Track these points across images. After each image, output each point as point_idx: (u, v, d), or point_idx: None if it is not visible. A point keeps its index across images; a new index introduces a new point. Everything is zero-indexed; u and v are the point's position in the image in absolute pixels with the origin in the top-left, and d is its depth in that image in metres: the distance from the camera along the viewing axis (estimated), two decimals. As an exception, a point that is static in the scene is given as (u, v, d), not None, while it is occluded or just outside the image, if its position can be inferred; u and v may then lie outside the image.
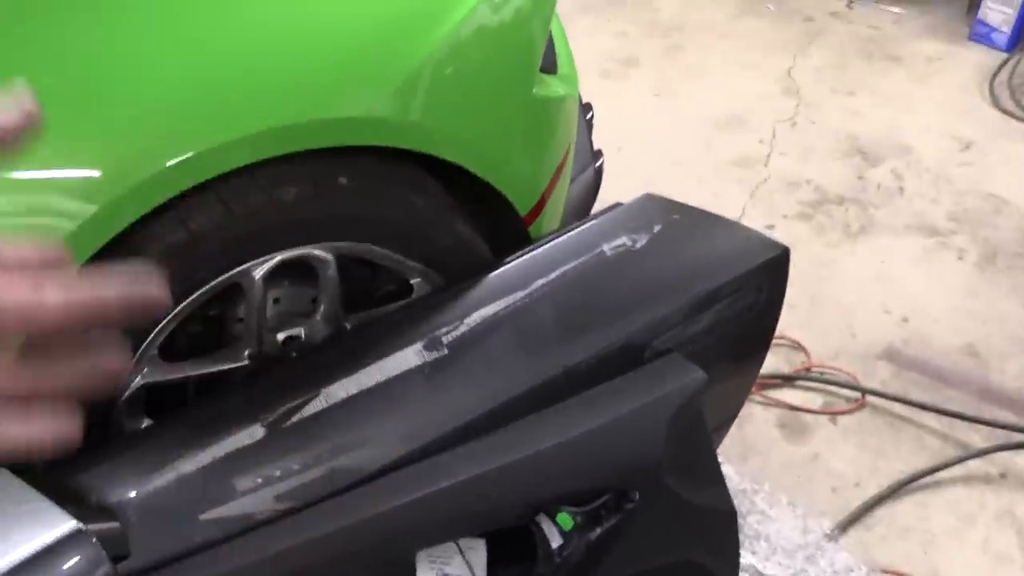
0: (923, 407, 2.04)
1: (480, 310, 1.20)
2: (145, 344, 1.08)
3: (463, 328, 1.19)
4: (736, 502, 1.31)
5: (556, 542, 1.16)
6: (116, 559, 0.80)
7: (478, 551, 1.17)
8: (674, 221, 1.39)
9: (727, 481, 1.32)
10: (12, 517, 0.69)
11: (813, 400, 2.10)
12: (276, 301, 1.22)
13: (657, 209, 1.40)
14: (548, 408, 1.17)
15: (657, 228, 1.36)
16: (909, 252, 2.60)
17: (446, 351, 1.16)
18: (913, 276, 2.50)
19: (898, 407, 2.06)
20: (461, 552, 1.16)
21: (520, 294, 1.23)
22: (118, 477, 1.04)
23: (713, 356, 1.30)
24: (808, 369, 2.17)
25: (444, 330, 1.18)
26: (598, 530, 1.18)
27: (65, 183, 0.97)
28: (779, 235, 1.38)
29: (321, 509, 1.06)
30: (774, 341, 1.45)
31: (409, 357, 1.15)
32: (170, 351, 1.14)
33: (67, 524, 0.60)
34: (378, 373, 1.14)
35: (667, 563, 1.30)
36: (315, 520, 1.05)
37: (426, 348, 1.16)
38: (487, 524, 1.14)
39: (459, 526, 1.12)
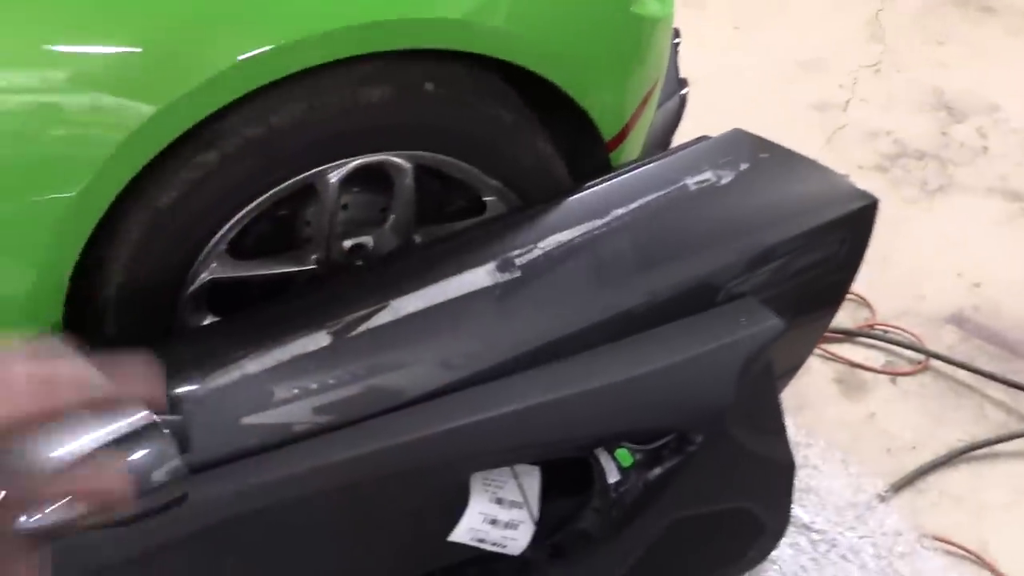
0: (989, 376, 1.97)
1: (557, 234, 1.16)
2: (216, 238, 1.06)
3: (538, 251, 1.14)
4: (790, 454, 1.28)
5: (613, 477, 1.13)
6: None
7: (533, 478, 1.15)
8: (763, 160, 1.33)
9: (784, 433, 1.29)
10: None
11: (874, 359, 2.04)
12: (345, 207, 1.18)
13: (746, 146, 1.33)
14: (618, 341, 1.13)
15: (744, 166, 1.30)
16: (988, 216, 2.48)
17: (519, 273, 1.12)
18: (990, 241, 2.40)
19: (962, 374, 1.99)
20: (516, 477, 1.14)
21: (598, 222, 1.18)
22: (181, 371, 1.02)
23: (785, 304, 1.25)
24: (872, 327, 2.10)
25: (518, 252, 1.14)
26: (657, 470, 1.15)
27: (137, 72, 0.93)
28: (854, 186, 1.31)
29: (378, 424, 1.04)
30: (839, 295, 1.39)
31: (480, 276, 1.12)
32: (238, 248, 1.11)
33: (140, 412, 0.56)
34: (448, 290, 1.10)
35: (720, 509, 1.28)
36: (371, 434, 1.03)
37: (499, 269, 1.12)
38: (547, 452, 1.12)
39: (519, 452, 1.10)
